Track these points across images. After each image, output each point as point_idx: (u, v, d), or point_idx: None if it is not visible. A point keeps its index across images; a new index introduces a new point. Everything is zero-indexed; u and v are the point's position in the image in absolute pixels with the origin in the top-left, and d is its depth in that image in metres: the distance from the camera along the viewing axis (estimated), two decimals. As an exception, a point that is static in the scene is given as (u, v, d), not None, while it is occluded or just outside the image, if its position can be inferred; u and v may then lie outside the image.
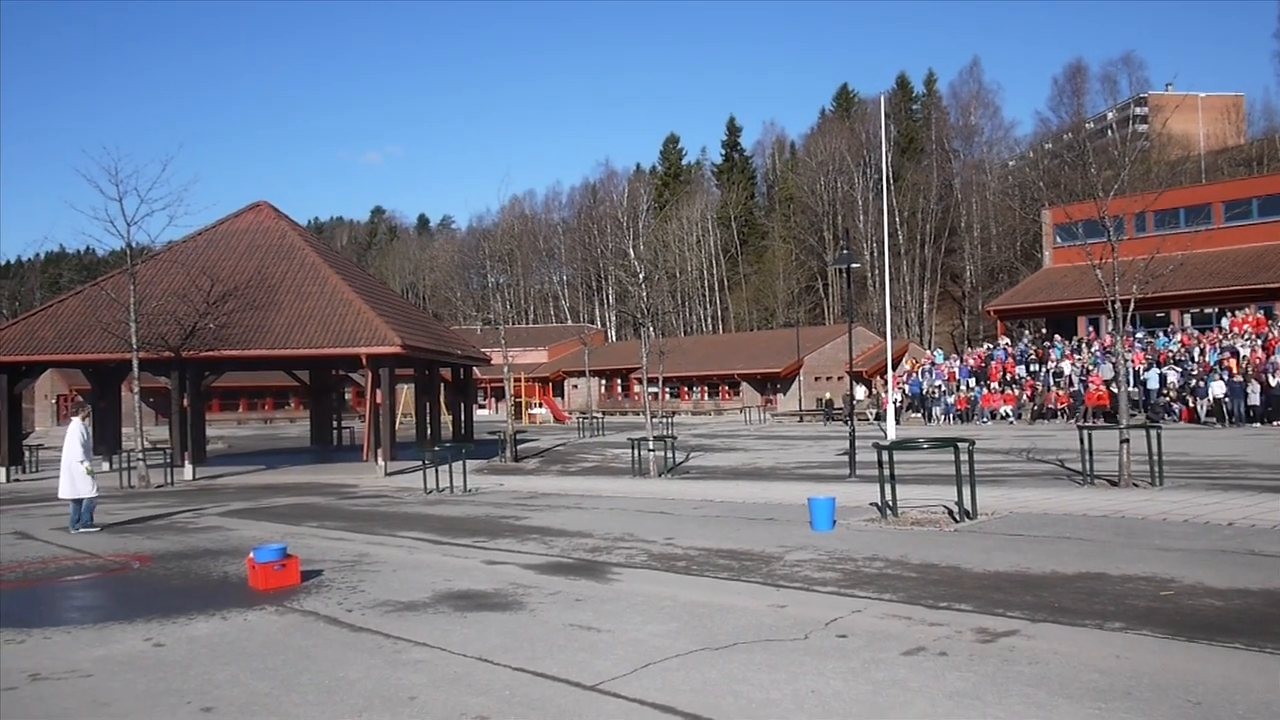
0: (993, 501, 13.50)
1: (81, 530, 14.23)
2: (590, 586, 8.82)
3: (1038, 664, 5.79)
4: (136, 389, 23.56)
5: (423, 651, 6.65)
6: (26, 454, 28.70)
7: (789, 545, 10.67)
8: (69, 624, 7.89)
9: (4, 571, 10.83)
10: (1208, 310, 40.32)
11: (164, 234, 61.83)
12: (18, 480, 26.08)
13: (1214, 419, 31.11)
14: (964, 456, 11.91)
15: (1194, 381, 32.92)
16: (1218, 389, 31.45)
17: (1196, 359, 34.38)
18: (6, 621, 8.04)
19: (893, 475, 12.60)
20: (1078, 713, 4.92)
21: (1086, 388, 35.03)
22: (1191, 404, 32.47)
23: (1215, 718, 4.78)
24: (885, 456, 12.51)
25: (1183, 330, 38.90)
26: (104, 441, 28.55)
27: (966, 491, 11.97)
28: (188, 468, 25.36)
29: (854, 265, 24.69)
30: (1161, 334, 39.06)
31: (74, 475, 14.49)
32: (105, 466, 27.04)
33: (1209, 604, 7.15)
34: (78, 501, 14.46)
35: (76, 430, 14.94)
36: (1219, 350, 34.02)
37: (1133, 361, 34.80)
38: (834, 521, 11.84)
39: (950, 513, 12.30)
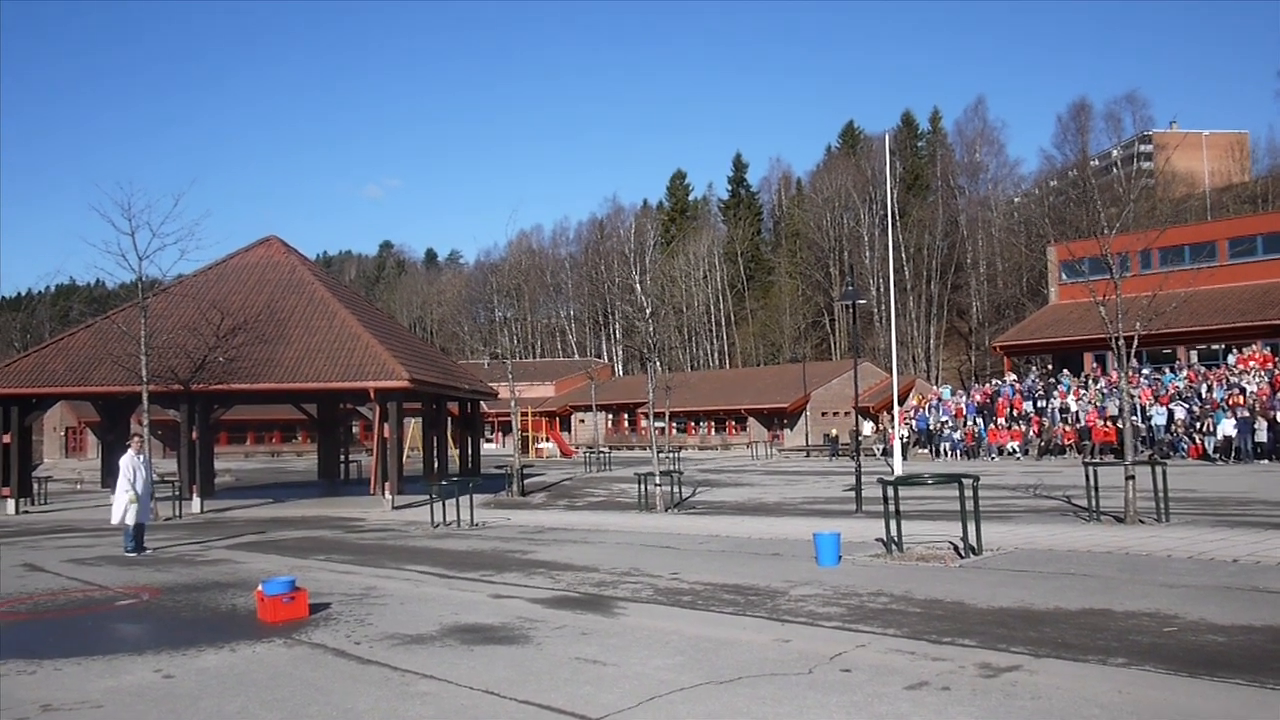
0: (998, 537, 13.53)
1: (126, 554, 15.43)
2: (596, 620, 8.86)
3: (1040, 699, 5.82)
4: (146, 422, 23.66)
5: (430, 684, 6.71)
6: (36, 485, 28.77)
7: (794, 580, 10.71)
8: (79, 655, 7.94)
9: (14, 603, 10.90)
10: (1214, 346, 40.39)
11: (175, 268, 62.20)
12: (27, 512, 26.15)
13: (1221, 456, 31.05)
14: (968, 492, 11.96)
15: (1202, 420, 32.89)
16: (1226, 426, 31.41)
17: (1204, 396, 34.38)
18: (17, 653, 8.10)
19: (898, 511, 12.63)
20: (1079, 747, 4.96)
21: (1096, 424, 35.00)
22: (1199, 441, 32.43)
23: (1215, 753, 4.83)
24: (890, 492, 12.56)
25: (1189, 367, 38.91)
26: (113, 474, 28.66)
27: (971, 527, 12.01)
28: (196, 500, 25.42)
29: (860, 301, 24.82)
30: (1168, 370, 39.06)
31: (118, 503, 15.92)
32: (111, 499, 27.15)
33: (1212, 640, 7.18)
34: (133, 526, 15.73)
35: (125, 461, 16.26)
36: (1226, 387, 34.02)
37: (1140, 398, 34.81)
38: (839, 557, 11.88)
39: (955, 548, 12.33)
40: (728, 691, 6.25)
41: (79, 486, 38.14)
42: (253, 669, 7.33)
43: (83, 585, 12.25)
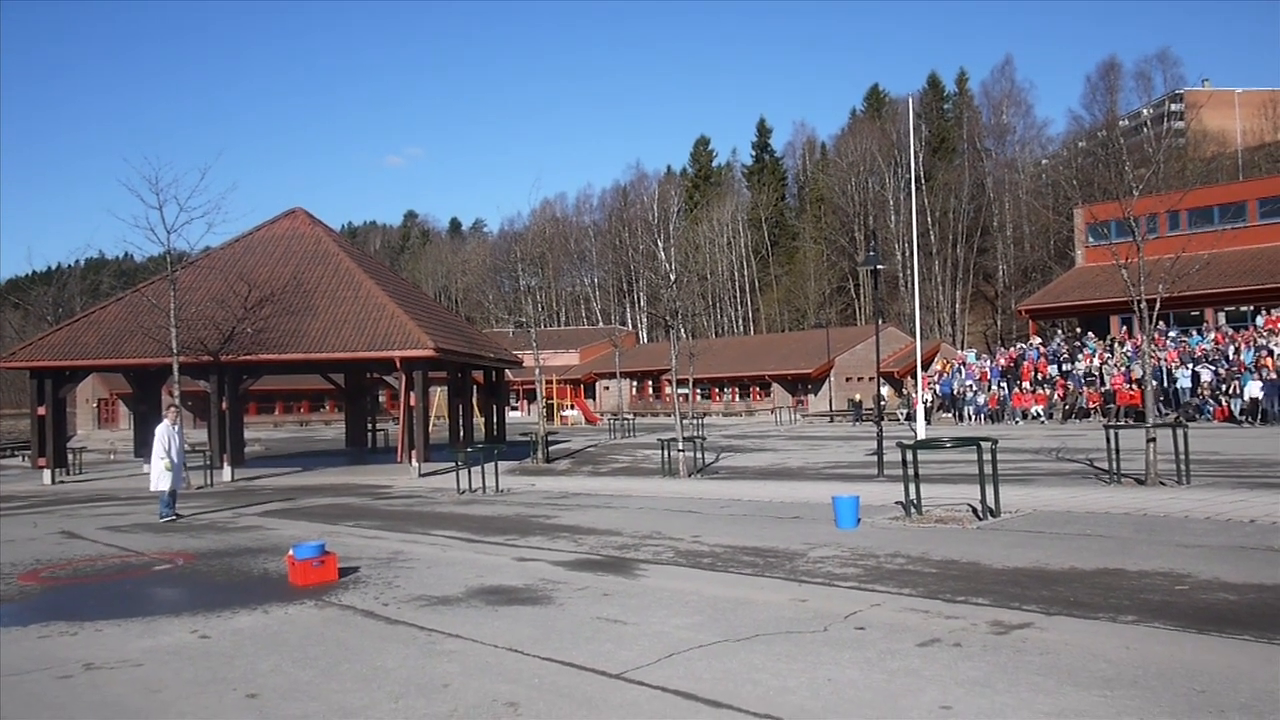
0: (1017, 500, 13.62)
1: (160, 519, 15.91)
2: (618, 582, 9.06)
3: (1049, 654, 5.96)
4: (177, 392, 24.04)
5: (456, 643, 6.92)
6: (70, 456, 29.33)
7: (813, 542, 10.87)
8: (118, 617, 8.22)
9: (55, 569, 11.23)
10: (1243, 308, 39.95)
11: (202, 241, 62.77)
12: (62, 482, 26.68)
13: (1248, 418, 30.86)
14: (987, 456, 12.04)
15: (1228, 382, 32.67)
16: (1253, 388, 31.20)
17: (1231, 358, 34.12)
18: (59, 615, 8.39)
19: (917, 474, 12.73)
20: (1084, 699, 5.09)
21: (1123, 386, 34.86)
22: (1226, 403, 32.24)
23: (1217, 705, 4.93)
24: (909, 455, 12.66)
25: (1216, 329, 38.59)
26: (145, 444, 29.17)
27: (989, 490, 12.11)
28: (226, 469, 25.86)
29: (881, 266, 24.78)
30: (1195, 332, 38.75)
31: (155, 470, 16.43)
32: (146, 468, 27.67)
33: (1223, 598, 7.28)
34: (168, 492, 16.29)
35: (161, 430, 16.74)
36: (1254, 349, 33.74)
37: (1166, 360, 34.60)
38: (858, 520, 12.02)
39: (974, 511, 12.44)
40: (744, 648, 6.42)
41: (112, 457, 38.82)
42: (285, 630, 7.58)
43: (119, 551, 12.58)
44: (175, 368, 24.32)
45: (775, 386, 63.79)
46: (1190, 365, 34.22)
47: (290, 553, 9.76)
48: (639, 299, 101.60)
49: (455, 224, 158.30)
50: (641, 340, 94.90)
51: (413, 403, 26.40)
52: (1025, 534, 10.81)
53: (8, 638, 7.60)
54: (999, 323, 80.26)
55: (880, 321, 26.89)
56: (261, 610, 8.34)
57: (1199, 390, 33.26)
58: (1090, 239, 46.50)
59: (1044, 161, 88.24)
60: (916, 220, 35.49)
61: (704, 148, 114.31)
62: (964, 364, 45.45)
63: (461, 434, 33.61)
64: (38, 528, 15.61)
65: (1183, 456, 15.09)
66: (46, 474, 26.88)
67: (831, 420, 52.09)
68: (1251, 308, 39.22)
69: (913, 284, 40.52)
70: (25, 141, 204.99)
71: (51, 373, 27.50)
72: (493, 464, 20.17)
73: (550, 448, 29.80)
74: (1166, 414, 30.49)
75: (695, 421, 39.38)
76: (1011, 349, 47.28)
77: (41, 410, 27.52)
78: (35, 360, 27.35)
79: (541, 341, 31.40)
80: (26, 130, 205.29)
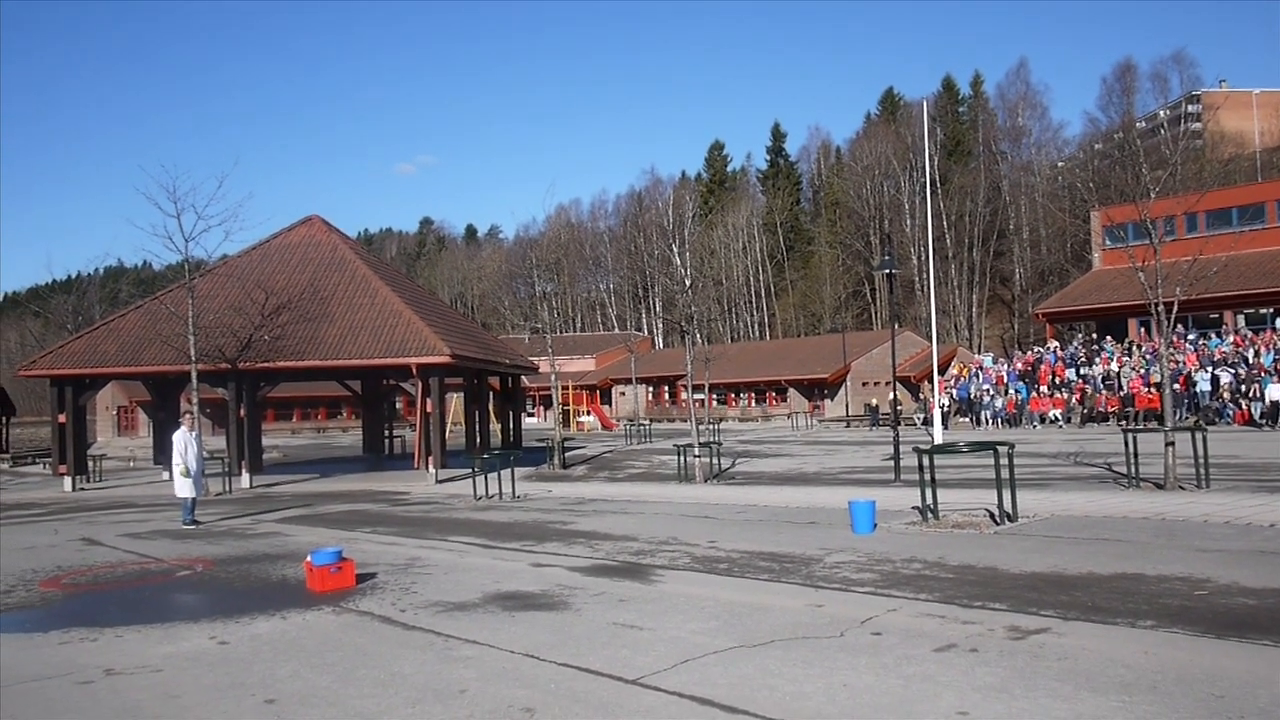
0: (1035, 504, 13.57)
1: (181, 525, 16.07)
2: (634, 587, 9.07)
3: (1067, 659, 5.94)
4: (195, 400, 24.18)
5: (472, 648, 6.94)
6: (90, 463, 29.52)
7: (829, 548, 10.85)
8: (138, 623, 8.28)
9: (76, 575, 11.31)
10: (1262, 311, 39.67)
11: (220, 249, 63.19)
12: (83, 489, 26.86)
13: (1268, 421, 30.62)
14: (1003, 460, 12.00)
15: (1248, 384, 32.42)
16: (1273, 391, 30.97)
17: (1251, 360, 33.88)
18: (80, 621, 8.47)
19: (933, 479, 12.68)
20: (1102, 705, 5.07)
21: (1143, 389, 34.64)
22: (1246, 406, 32.00)
23: (1236, 710, 4.90)
24: (926, 460, 12.62)
25: (1235, 331, 38.32)
26: (164, 451, 29.34)
27: (1006, 494, 12.06)
28: (245, 476, 25.97)
29: (897, 270, 24.73)
30: (1214, 335, 38.49)
31: (176, 476, 16.65)
32: (165, 475, 27.82)
33: (1242, 603, 7.23)
34: (190, 499, 16.48)
35: (178, 437, 16.89)
36: (1274, 352, 33.49)
37: (1185, 363, 34.38)
38: (875, 524, 11.99)
39: (991, 515, 12.39)
40: (760, 654, 6.42)
41: (131, 464, 39.02)
42: (303, 635, 7.62)
43: (139, 558, 12.67)
44: (194, 375, 24.46)
45: (791, 391, 63.67)
46: (1209, 368, 34.00)
47: (308, 559, 9.80)
48: (654, 304, 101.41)
49: (471, 230, 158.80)
50: (657, 345, 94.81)
51: (429, 409, 26.47)
52: (1042, 539, 10.77)
53: (30, 643, 7.68)
54: (1016, 326, 79.88)
55: (896, 326, 26.80)
56: (280, 616, 8.39)
57: (1218, 393, 33.03)
58: (1107, 241, 46.24)
59: (1060, 164, 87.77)
60: (932, 224, 35.39)
61: (718, 153, 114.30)
62: (981, 368, 45.25)
63: (478, 440, 33.68)
64: (59, 534, 15.73)
65: (1202, 460, 15.00)
66: (67, 481, 27.08)
67: (848, 425, 51.94)
68: (1271, 310, 38.94)
69: (929, 288, 40.39)
70: (45, 150, 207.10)
71: (71, 380, 27.70)
72: (509, 470, 20.20)
73: (566, 453, 29.84)
74: (1187, 418, 30.30)
75: (711, 427, 39.33)
76: (1029, 353, 47.04)
77: (62, 418, 27.72)
78: (55, 368, 27.57)
79: (557, 347, 31.46)
80: (46, 139, 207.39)
